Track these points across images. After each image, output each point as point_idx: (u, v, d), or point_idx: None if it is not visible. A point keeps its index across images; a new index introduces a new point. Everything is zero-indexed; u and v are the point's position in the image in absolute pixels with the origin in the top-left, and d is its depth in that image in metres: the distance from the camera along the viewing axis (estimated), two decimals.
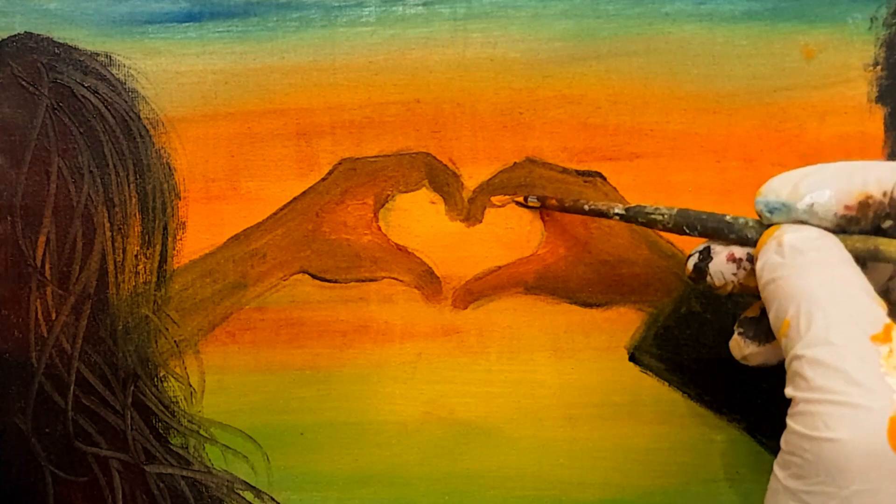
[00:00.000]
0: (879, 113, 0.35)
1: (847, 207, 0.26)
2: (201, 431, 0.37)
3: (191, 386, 0.37)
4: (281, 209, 0.37)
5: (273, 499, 0.37)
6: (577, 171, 0.36)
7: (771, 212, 0.27)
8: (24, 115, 0.37)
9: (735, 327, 0.30)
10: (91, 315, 0.37)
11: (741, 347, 0.30)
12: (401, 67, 0.36)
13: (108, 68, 0.37)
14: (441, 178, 0.37)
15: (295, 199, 0.37)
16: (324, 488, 0.37)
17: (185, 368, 0.37)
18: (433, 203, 0.37)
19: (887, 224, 0.26)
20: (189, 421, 0.37)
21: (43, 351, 0.37)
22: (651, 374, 0.36)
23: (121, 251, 0.37)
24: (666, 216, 0.30)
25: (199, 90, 0.37)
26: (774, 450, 0.35)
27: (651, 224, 0.31)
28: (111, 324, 0.37)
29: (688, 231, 0.30)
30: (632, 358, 0.36)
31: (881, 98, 0.35)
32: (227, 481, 0.37)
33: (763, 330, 0.29)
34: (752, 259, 0.28)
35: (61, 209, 0.37)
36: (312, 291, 0.37)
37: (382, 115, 0.36)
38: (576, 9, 0.36)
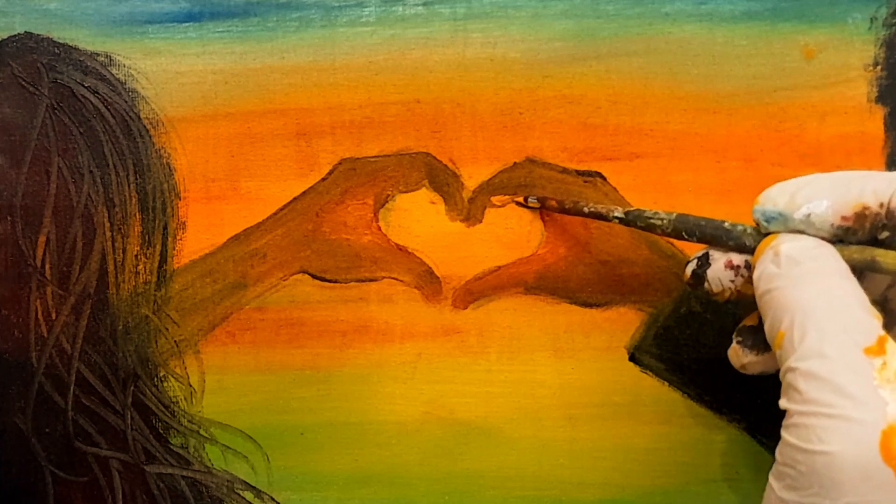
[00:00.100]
0: (879, 113, 0.35)
1: (844, 218, 0.26)
2: (201, 431, 0.37)
3: (191, 386, 0.37)
4: (281, 209, 0.37)
5: (273, 499, 0.37)
6: (577, 171, 0.36)
7: (768, 221, 0.27)
8: (24, 115, 0.37)
9: (734, 336, 0.30)
10: (91, 315, 0.37)
11: (740, 356, 0.30)
12: (401, 67, 0.36)
13: (108, 68, 0.37)
14: (441, 178, 0.37)
15: (295, 199, 0.37)
16: (324, 488, 0.37)
17: (185, 368, 0.37)
18: (433, 203, 0.37)
19: (884, 235, 0.25)
20: (189, 421, 0.37)
21: (43, 351, 0.37)
22: (651, 374, 0.36)
23: (121, 251, 0.37)
24: (665, 221, 0.30)
25: (199, 90, 0.37)
26: (774, 450, 0.35)
27: (650, 228, 0.31)
28: (111, 324, 0.37)
29: (686, 237, 0.30)
30: (632, 358, 0.36)
31: (881, 98, 0.35)
32: (227, 481, 0.37)
33: (762, 339, 0.29)
34: (750, 266, 0.28)
35: (61, 209, 0.37)
36: (312, 291, 0.37)
37: (382, 115, 0.36)
38: (576, 9, 0.36)
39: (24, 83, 0.37)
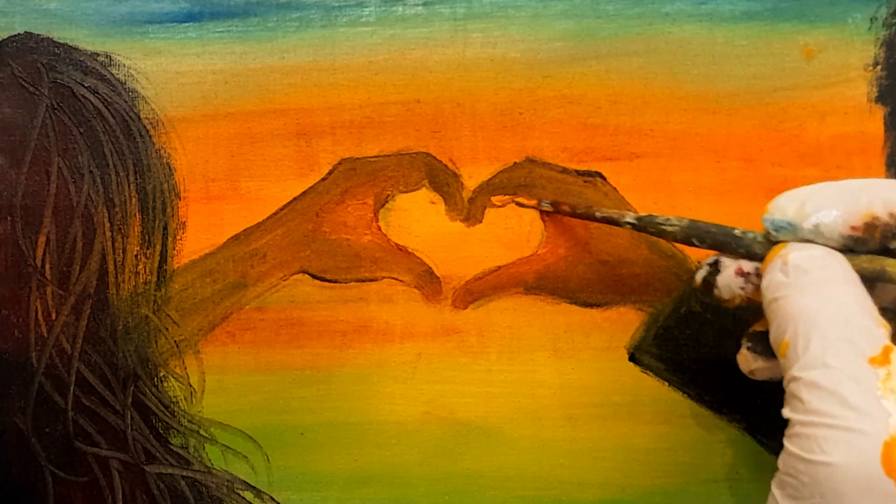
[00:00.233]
0: (879, 113, 0.35)
1: (853, 228, 0.26)
2: (201, 431, 0.37)
3: (191, 386, 0.37)
4: (281, 209, 0.37)
5: (273, 499, 0.37)
6: (577, 171, 0.36)
7: (777, 230, 0.27)
8: (24, 115, 0.37)
9: (743, 341, 0.30)
10: (91, 315, 0.37)
11: (749, 362, 0.30)
12: (401, 67, 0.36)
13: (108, 68, 0.37)
14: (441, 178, 0.37)
15: (295, 199, 0.37)
16: (324, 488, 0.37)
17: (185, 368, 0.37)
18: (433, 203, 0.37)
19: (894, 245, 0.25)
20: (189, 421, 0.37)
21: (43, 351, 0.37)
22: (651, 374, 0.36)
23: (121, 251, 0.37)
24: (676, 228, 0.30)
25: (199, 90, 0.37)
26: (774, 450, 0.35)
27: (661, 235, 0.31)
28: (111, 324, 0.37)
29: (697, 243, 0.30)
30: (632, 358, 0.36)
31: (881, 98, 0.35)
32: (227, 481, 0.37)
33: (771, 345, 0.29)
34: (760, 274, 0.28)
35: (61, 209, 0.37)
36: (312, 291, 0.37)
37: (382, 115, 0.36)
38: (576, 9, 0.36)
39: (24, 83, 0.37)
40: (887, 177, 0.35)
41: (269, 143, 0.37)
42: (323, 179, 0.37)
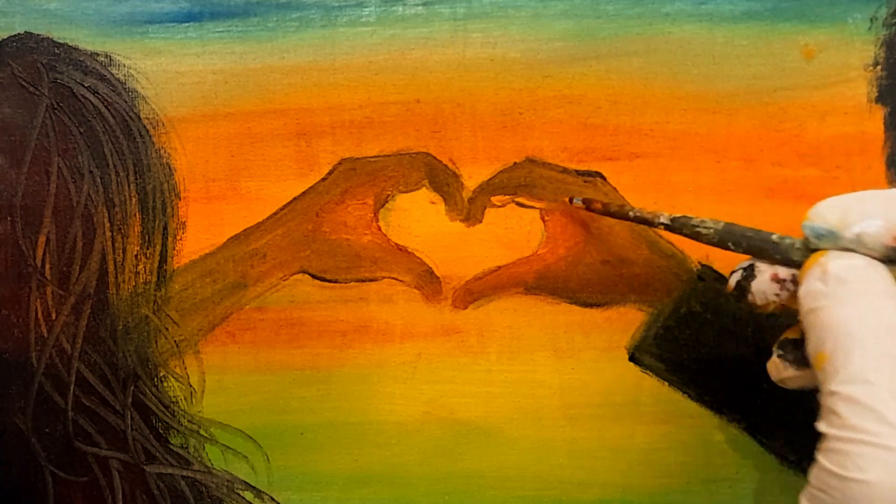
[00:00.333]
0: (879, 113, 0.35)
1: None
2: (201, 431, 0.37)
3: (191, 386, 0.37)
4: (281, 209, 0.37)
5: (273, 499, 0.37)
6: (577, 171, 0.36)
7: (818, 238, 0.26)
8: (24, 115, 0.37)
9: (774, 348, 0.29)
10: (91, 315, 0.37)
11: (780, 370, 0.29)
12: (401, 67, 0.36)
13: (108, 68, 0.37)
14: (441, 178, 0.37)
15: (295, 199, 0.37)
16: (324, 488, 0.37)
17: (185, 368, 0.37)
18: (433, 203, 0.37)
19: None
20: (189, 421, 0.37)
21: (43, 351, 0.37)
22: (651, 374, 0.36)
23: (121, 251, 0.37)
24: (711, 231, 0.30)
25: (199, 90, 0.37)
26: (774, 450, 0.35)
27: (695, 237, 0.30)
28: (111, 324, 0.37)
29: (732, 248, 0.29)
30: (632, 358, 0.36)
31: (881, 98, 0.35)
32: (227, 481, 0.37)
33: (804, 354, 0.28)
34: (796, 281, 0.27)
35: (61, 209, 0.37)
36: (312, 291, 0.37)
37: (382, 115, 0.36)
38: (576, 9, 0.36)
39: (24, 83, 0.37)
40: (887, 177, 0.35)
41: (269, 143, 0.37)
42: (323, 179, 0.37)
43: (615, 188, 0.36)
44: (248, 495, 0.37)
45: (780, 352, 0.29)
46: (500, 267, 0.37)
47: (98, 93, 0.37)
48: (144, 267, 0.37)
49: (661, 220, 0.32)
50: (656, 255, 0.36)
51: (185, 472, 0.37)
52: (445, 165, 0.36)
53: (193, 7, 0.36)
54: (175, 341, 0.37)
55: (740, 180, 0.36)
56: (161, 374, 0.37)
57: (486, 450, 0.37)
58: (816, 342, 0.25)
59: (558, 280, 0.36)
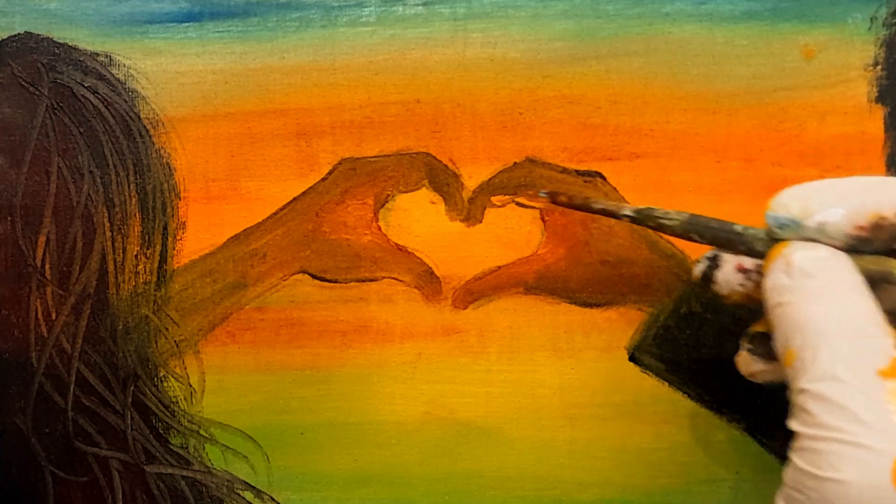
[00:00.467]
0: (879, 113, 0.35)
1: (860, 228, 0.25)
2: (201, 431, 0.37)
3: (191, 386, 0.37)
4: (281, 209, 0.37)
5: (273, 499, 0.37)
6: (577, 171, 0.36)
7: (780, 227, 0.26)
8: (24, 115, 0.37)
9: (742, 342, 0.29)
10: (91, 315, 0.37)
11: (749, 364, 0.29)
12: (401, 67, 0.36)
13: (108, 68, 0.37)
14: (441, 178, 0.37)
15: (295, 199, 0.37)
16: (324, 488, 0.37)
17: (185, 368, 0.37)
18: (433, 203, 0.37)
19: None
20: (189, 421, 0.37)
21: (43, 351, 0.37)
22: (651, 374, 0.36)
23: (121, 251, 0.37)
24: (675, 221, 0.30)
25: (199, 90, 0.37)
26: (775, 450, 0.35)
27: (660, 228, 0.30)
28: (111, 324, 0.37)
29: (697, 238, 0.29)
30: (632, 358, 0.36)
31: (881, 98, 0.35)
32: (227, 481, 0.37)
33: (773, 347, 0.28)
34: (761, 271, 0.27)
35: (61, 209, 0.37)
36: (312, 291, 0.37)
37: (382, 115, 0.36)
38: (576, 9, 0.36)
39: (24, 83, 0.37)
40: (887, 176, 0.35)
41: (269, 143, 0.37)
42: (323, 179, 0.37)
43: (615, 188, 0.36)
44: (248, 495, 0.37)
45: (749, 345, 0.29)
46: (500, 267, 0.37)
47: (98, 93, 0.37)
48: (144, 267, 0.37)
49: (625, 211, 0.31)
50: (656, 255, 0.36)
51: (185, 472, 0.37)
52: (445, 165, 0.36)
53: (193, 7, 0.36)
54: (175, 341, 0.37)
55: (740, 180, 0.36)
56: (161, 374, 0.37)
57: (486, 450, 0.37)
58: (784, 338, 0.25)
59: (558, 280, 0.36)
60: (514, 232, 0.36)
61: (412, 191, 0.37)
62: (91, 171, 0.37)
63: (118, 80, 0.37)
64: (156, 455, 0.37)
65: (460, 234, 0.37)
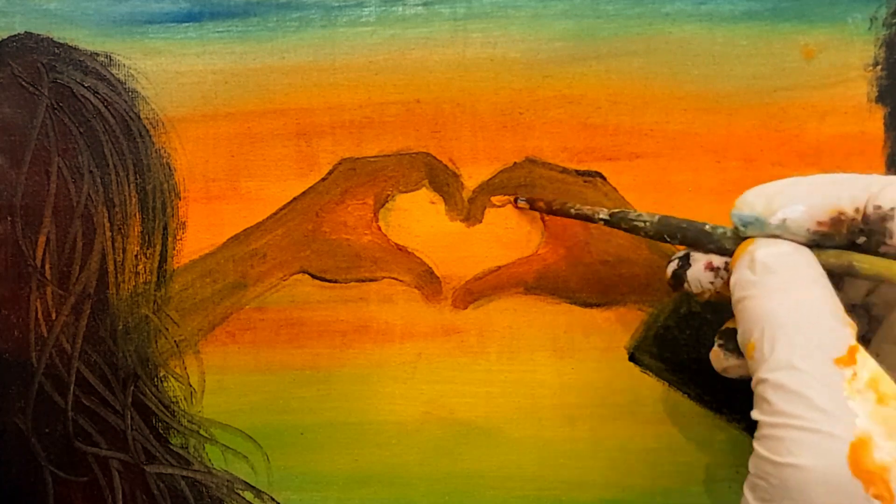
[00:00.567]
0: (879, 113, 0.35)
1: (820, 224, 0.25)
2: (201, 431, 0.37)
3: (191, 386, 0.37)
4: (281, 209, 0.37)
5: (273, 499, 0.37)
6: (577, 171, 0.36)
7: (745, 225, 0.27)
8: (24, 115, 0.37)
9: (715, 338, 0.30)
10: (91, 315, 0.37)
11: (721, 360, 0.30)
12: (401, 67, 0.36)
13: (108, 68, 0.37)
14: (441, 178, 0.37)
15: (295, 199, 0.37)
16: (324, 488, 0.37)
17: (185, 368, 0.37)
18: (433, 203, 0.37)
19: (861, 240, 0.25)
20: (189, 421, 0.37)
21: (43, 351, 0.37)
22: (651, 374, 0.36)
23: (121, 251, 0.37)
24: (647, 223, 0.30)
25: (199, 90, 0.37)
26: None
27: (633, 230, 0.31)
28: (111, 324, 0.37)
29: (668, 239, 0.30)
30: (632, 358, 0.36)
31: (881, 98, 0.35)
32: (227, 481, 0.37)
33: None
34: (729, 268, 0.28)
35: (61, 209, 0.37)
36: (312, 291, 0.37)
37: (382, 115, 0.36)
38: (576, 9, 0.36)
39: (24, 83, 0.37)
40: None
41: (269, 143, 0.37)
42: (323, 179, 0.37)
43: (615, 188, 0.36)
44: (248, 495, 0.37)
45: (721, 341, 0.30)
46: (500, 267, 0.37)
47: (98, 93, 0.37)
48: (144, 267, 0.37)
49: (601, 215, 0.32)
50: (656, 255, 0.36)
51: (185, 472, 0.37)
52: (445, 165, 0.36)
53: (193, 7, 0.36)
54: (175, 341, 0.37)
55: (740, 180, 0.36)
56: (161, 374, 0.37)
57: (486, 450, 0.37)
58: (746, 331, 0.25)
59: (558, 280, 0.36)
60: (514, 232, 0.36)
61: (412, 191, 0.37)
62: (91, 171, 0.37)
63: (118, 80, 0.37)
64: (156, 455, 0.37)
65: (460, 234, 0.37)
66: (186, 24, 0.36)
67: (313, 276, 0.37)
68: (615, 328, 0.36)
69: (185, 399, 0.37)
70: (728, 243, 0.28)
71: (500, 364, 0.37)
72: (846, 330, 0.24)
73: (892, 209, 0.24)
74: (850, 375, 0.23)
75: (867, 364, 0.23)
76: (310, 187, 0.37)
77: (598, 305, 0.36)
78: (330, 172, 0.37)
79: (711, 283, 0.28)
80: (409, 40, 0.36)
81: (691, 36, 0.36)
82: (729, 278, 0.27)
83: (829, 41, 0.35)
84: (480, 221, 0.37)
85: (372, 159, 0.37)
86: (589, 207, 0.33)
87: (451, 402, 0.37)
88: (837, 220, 0.25)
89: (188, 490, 0.37)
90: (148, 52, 0.37)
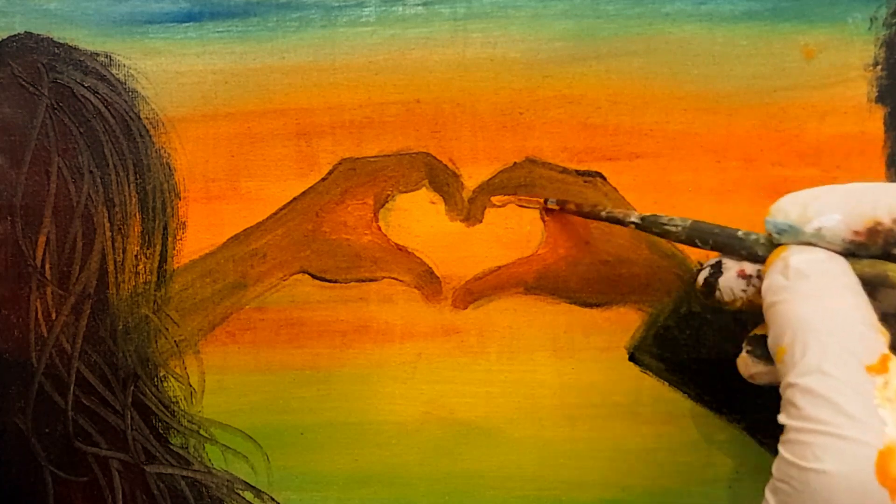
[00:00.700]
0: (879, 113, 0.35)
1: (856, 233, 0.25)
2: (201, 431, 0.37)
3: (191, 386, 0.37)
4: (281, 209, 0.37)
5: (273, 499, 0.37)
6: (577, 171, 0.36)
7: (779, 233, 0.26)
8: (24, 115, 0.37)
9: (744, 344, 0.30)
10: (91, 315, 0.37)
11: (749, 366, 0.29)
12: (401, 67, 0.36)
13: (108, 68, 0.37)
14: (441, 178, 0.37)
15: (295, 199, 0.37)
16: (324, 488, 0.37)
17: (185, 368, 0.37)
18: (433, 203, 0.37)
19: None
20: (189, 421, 0.37)
21: (43, 351, 0.37)
22: (651, 374, 0.36)
23: (121, 251, 0.37)
24: (679, 228, 0.30)
25: (199, 90, 0.37)
26: (775, 450, 0.35)
27: (664, 235, 0.31)
28: (111, 324, 0.37)
29: (700, 244, 0.30)
30: (632, 358, 0.36)
31: (881, 98, 0.35)
32: (227, 481, 0.37)
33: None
34: (761, 276, 0.28)
35: (61, 209, 0.37)
36: (312, 291, 0.37)
37: (382, 115, 0.36)
38: (576, 9, 0.36)
39: (24, 83, 0.37)
40: (887, 177, 0.35)
41: (269, 143, 0.37)
42: (323, 179, 0.37)
43: (615, 188, 0.36)
44: (248, 495, 0.37)
45: (749, 347, 0.29)
46: (500, 267, 0.37)
47: (98, 93, 0.37)
48: (144, 267, 0.37)
49: (632, 219, 0.32)
50: (656, 255, 0.36)
51: (185, 472, 0.37)
52: (445, 165, 0.36)
53: (193, 7, 0.36)
54: (175, 341, 0.37)
55: (740, 180, 0.36)
56: (161, 374, 0.37)
57: (486, 450, 0.37)
58: (777, 335, 0.25)
59: (558, 280, 0.36)
60: (514, 232, 0.36)
61: (412, 191, 0.37)
62: (91, 171, 0.37)
63: (118, 80, 0.37)
64: (156, 455, 0.37)
65: (460, 234, 0.37)
66: (186, 24, 0.36)
67: (313, 276, 0.37)
68: (615, 328, 0.36)
69: (185, 399, 0.37)
70: (760, 250, 0.28)
71: (500, 364, 0.37)
72: (879, 338, 0.24)
73: None
74: (882, 383, 0.22)
75: None
76: (310, 187, 0.37)
77: (598, 305, 0.36)
78: (330, 172, 0.37)
79: (744, 290, 0.28)
80: (409, 40, 0.36)
81: (691, 36, 0.36)
82: (761, 286, 0.27)
83: (829, 41, 0.35)
84: (480, 221, 0.37)
85: (372, 159, 0.37)
86: (620, 211, 0.33)
87: (451, 402, 0.37)
88: (874, 231, 0.25)
89: (188, 490, 0.37)
90: (148, 52, 0.37)
